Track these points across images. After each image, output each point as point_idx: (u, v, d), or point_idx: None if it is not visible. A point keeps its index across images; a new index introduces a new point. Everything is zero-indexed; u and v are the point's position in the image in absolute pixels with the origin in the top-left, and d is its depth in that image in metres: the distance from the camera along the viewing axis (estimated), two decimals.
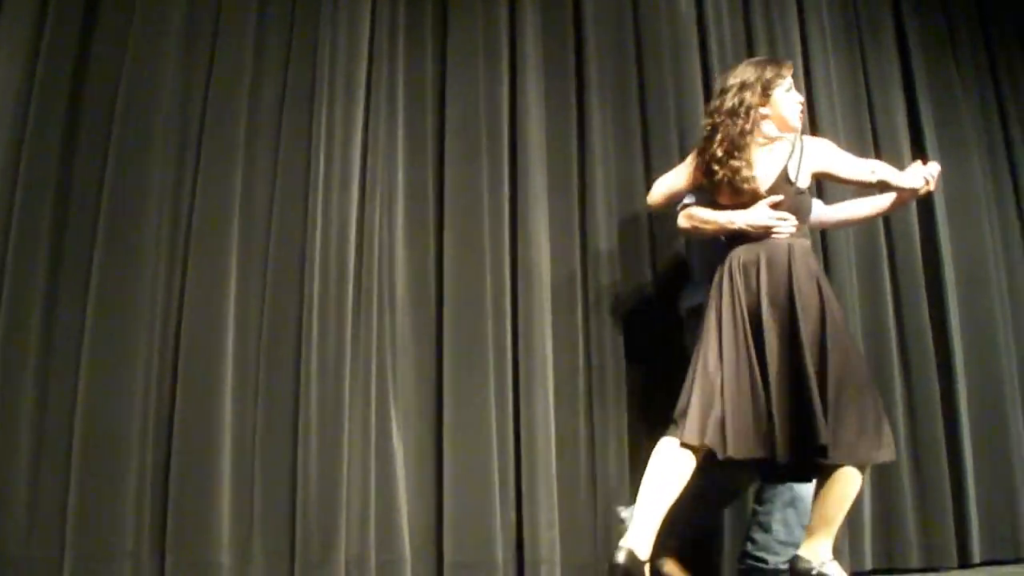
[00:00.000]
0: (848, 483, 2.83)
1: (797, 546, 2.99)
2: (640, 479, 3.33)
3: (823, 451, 2.72)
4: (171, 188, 3.27)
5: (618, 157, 3.84)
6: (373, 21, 3.61)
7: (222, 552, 3.01)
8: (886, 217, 4.22)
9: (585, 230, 3.72)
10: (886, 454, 2.81)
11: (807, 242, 2.99)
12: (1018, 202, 4.74)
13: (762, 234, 2.92)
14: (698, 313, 3.12)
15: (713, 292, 2.93)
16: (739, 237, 2.95)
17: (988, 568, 3.44)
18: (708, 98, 3.93)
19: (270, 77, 3.45)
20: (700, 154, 3.05)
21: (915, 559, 3.84)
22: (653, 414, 3.57)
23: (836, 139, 4.13)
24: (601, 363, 3.58)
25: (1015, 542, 4.13)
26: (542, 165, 3.70)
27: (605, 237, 3.72)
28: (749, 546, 3.31)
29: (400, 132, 3.58)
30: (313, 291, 3.27)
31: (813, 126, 4.22)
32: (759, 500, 3.36)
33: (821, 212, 3.38)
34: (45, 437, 3.04)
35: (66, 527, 2.94)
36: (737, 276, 2.90)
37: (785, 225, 2.90)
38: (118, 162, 3.24)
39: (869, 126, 4.45)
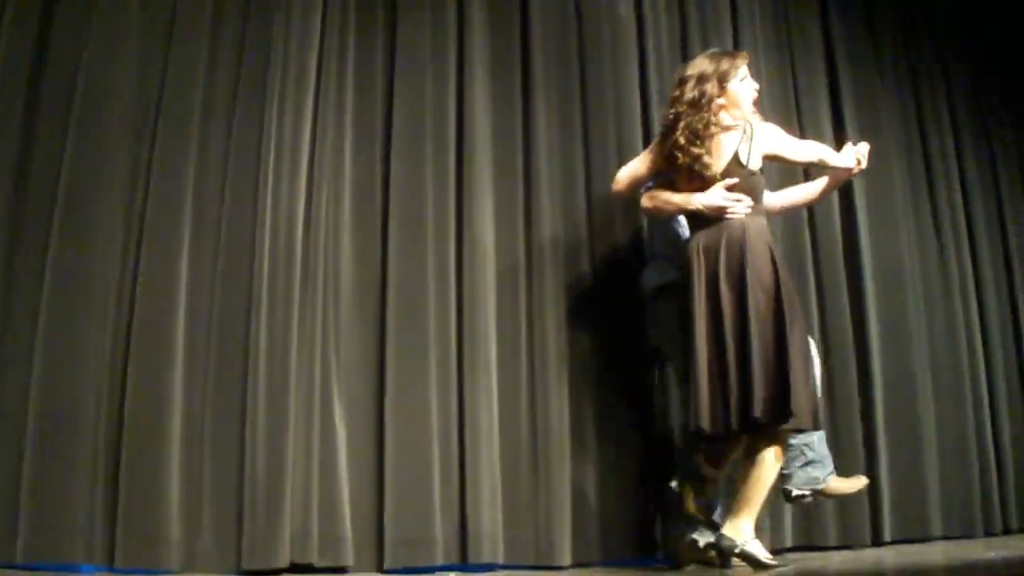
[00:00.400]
0: (768, 467, 3.03)
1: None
2: (582, 456, 3.52)
3: (783, 417, 2.94)
4: (127, 173, 3.29)
5: (561, 150, 3.96)
6: (324, 15, 3.66)
7: (171, 526, 3.05)
8: (811, 219, 4.45)
9: (530, 220, 3.82)
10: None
11: (763, 220, 3.18)
12: (933, 207, 5.00)
13: (718, 215, 3.11)
14: (663, 291, 3.37)
15: (690, 281, 3.11)
16: (699, 218, 3.16)
17: (898, 546, 3.62)
18: (645, 96, 4.15)
19: (224, 66, 3.49)
20: (662, 142, 3.26)
21: (832, 537, 4.05)
22: (594, 394, 3.76)
23: None
24: (543, 346, 3.69)
25: (923, 522, 4.38)
26: (488, 158, 3.80)
27: (548, 226, 3.82)
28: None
29: (349, 124, 3.65)
30: (262, 276, 3.32)
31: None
32: None
33: (766, 199, 3.51)
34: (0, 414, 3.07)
35: (19, 502, 2.97)
36: (701, 258, 3.10)
37: (740, 206, 3.10)
38: (75, 147, 3.26)
39: (797, 130, 4.61)
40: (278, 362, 3.27)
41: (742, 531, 3.03)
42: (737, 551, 3.03)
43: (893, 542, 3.77)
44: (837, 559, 3.65)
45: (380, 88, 3.75)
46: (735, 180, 3.13)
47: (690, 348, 3.08)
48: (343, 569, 3.23)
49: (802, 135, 4.60)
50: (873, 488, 4.10)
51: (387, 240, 3.61)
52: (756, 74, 4.46)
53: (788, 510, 3.91)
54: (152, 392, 3.14)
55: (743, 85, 3.29)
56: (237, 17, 3.59)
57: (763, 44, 4.68)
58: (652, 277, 3.59)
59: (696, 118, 3.16)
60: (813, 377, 3.12)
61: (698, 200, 3.15)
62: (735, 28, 4.60)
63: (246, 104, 3.48)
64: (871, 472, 4.13)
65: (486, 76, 3.89)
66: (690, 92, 3.20)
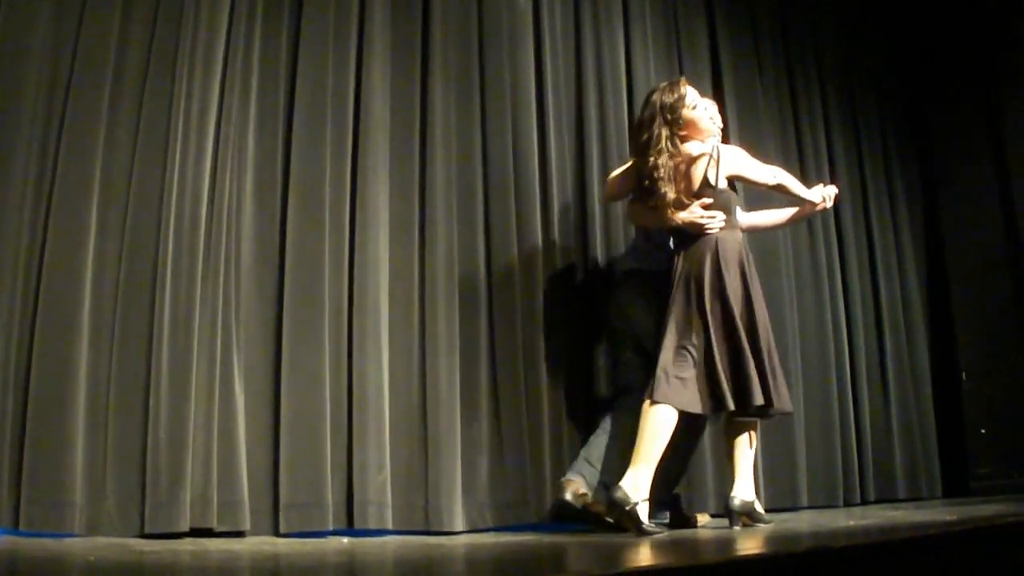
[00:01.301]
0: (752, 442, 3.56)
1: None
2: (469, 425, 3.71)
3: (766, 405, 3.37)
4: (37, 145, 3.25)
5: (458, 133, 4.11)
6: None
7: (76, 491, 3.06)
8: None
9: (424, 200, 3.96)
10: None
11: (737, 233, 3.54)
12: None
13: (698, 230, 3.47)
14: (635, 274, 3.81)
15: (670, 281, 3.51)
16: (679, 231, 3.53)
17: (770, 513, 3.85)
18: (540, 82, 4.37)
19: (135, 44, 3.47)
20: (636, 168, 3.60)
21: (711, 506, 4.32)
22: (484, 363, 3.94)
23: None
24: (434, 317, 3.83)
25: (793, 493, 4.71)
26: (385, 140, 3.90)
27: (442, 206, 3.96)
28: None
29: (253, 104, 3.68)
30: (167, 250, 3.35)
31: (631, 120, 4.63)
32: None
33: (741, 217, 3.81)
34: None
35: None
36: (680, 266, 3.48)
37: (714, 222, 3.45)
38: None
39: None
40: (181, 332, 3.31)
41: (640, 490, 3.28)
42: (628, 508, 3.26)
43: (768, 510, 3.97)
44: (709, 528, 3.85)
45: (284, 70, 3.79)
46: (709, 201, 3.47)
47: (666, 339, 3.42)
48: (240, 533, 3.29)
49: None
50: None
51: (286, 217, 3.67)
52: (644, 67, 4.77)
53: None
54: (58, 360, 3.12)
55: (696, 112, 3.58)
56: None
57: (652, 35, 4.91)
58: (628, 262, 3.95)
59: (656, 158, 3.49)
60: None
61: (679, 217, 3.49)
62: (626, 18, 4.82)
63: (155, 81, 3.46)
64: None
65: (385, 62, 3.99)
66: (644, 135, 3.54)
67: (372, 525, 3.51)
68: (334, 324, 3.65)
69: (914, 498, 5.34)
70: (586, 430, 4.02)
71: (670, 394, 3.33)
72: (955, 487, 5.55)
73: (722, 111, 4.91)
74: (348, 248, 3.76)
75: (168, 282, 3.34)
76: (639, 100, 4.62)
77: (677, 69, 4.96)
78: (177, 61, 3.51)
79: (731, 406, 3.35)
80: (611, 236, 4.46)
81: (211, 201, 3.50)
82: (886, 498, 5.22)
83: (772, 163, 5.04)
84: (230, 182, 3.56)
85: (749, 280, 3.47)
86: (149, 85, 3.47)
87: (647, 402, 3.36)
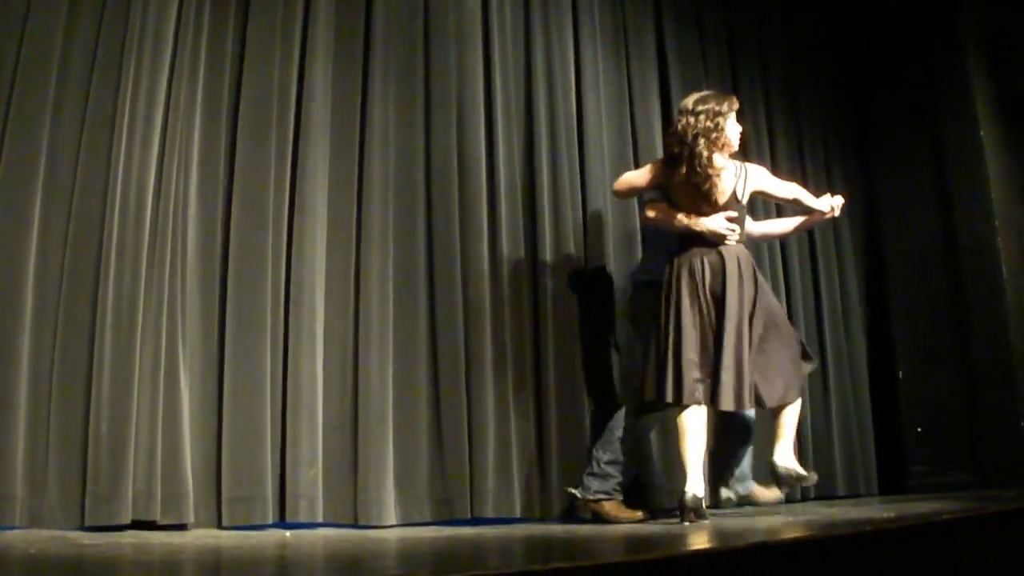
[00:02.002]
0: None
1: None
2: (404, 421, 3.77)
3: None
4: None
5: (399, 133, 4.13)
6: None
7: (16, 484, 3.05)
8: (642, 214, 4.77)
9: (361, 197, 3.98)
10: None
11: (744, 247, 3.67)
12: None
13: (718, 239, 3.58)
14: (648, 285, 3.91)
15: (673, 285, 3.62)
16: (693, 238, 3.62)
17: (711, 510, 3.90)
18: (488, 83, 4.38)
19: (83, 32, 3.46)
20: (667, 164, 3.69)
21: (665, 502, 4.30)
22: (420, 364, 3.97)
23: (599, 132, 4.65)
24: (367, 315, 3.86)
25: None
26: (325, 138, 3.93)
27: (379, 204, 3.99)
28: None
29: (199, 98, 3.67)
30: (111, 240, 3.34)
31: (580, 119, 4.69)
32: None
33: (750, 226, 4.02)
34: None
35: None
36: (698, 272, 3.60)
37: (734, 235, 3.59)
38: None
39: (629, 123, 4.95)
40: (125, 324, 3.30)
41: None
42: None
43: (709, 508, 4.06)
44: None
45: (231, 65, 3.79)
46: (735, 213, 3.61)
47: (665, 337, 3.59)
48: (183, 526, 3.29)
49: (633, 127, 4.94)
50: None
51: (231, 210, 3.68)
52: (593, 66, 4.82)
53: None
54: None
55: (733, 128, 3.69)
56: None
57: (601, 35, 4.96)
58: (642, 274, 4.16)
59: (711, 144, 3.57)
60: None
61: (704, 225, 3.60)
62: (575, 23, 4.86)
63: (103, 71, 3.45)
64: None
65: (328, 58, 4.00)
66: (706, 121, 3.59)
67: (303, 519, 3.54)
68: (274, 321, 3.66)
69: (852, 495, 5.44)
70: (530, 426, 4.12)
71: (699, 395, 3.54)
72: (892, 484, 5.64)
73: (668, 113, 5.05)
74: (286, 244, 3.78)
75: (112, 272, 3.33)
76: (588, 100, 4.75)
77: (625, 69, 5.04)
78: (125, 51, 3.50)
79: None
80: (560, 234, 4.51)
81: (157, 192, 3.49)
82: (825, 495, 5.29)
83: None
84: (177, 173, 3.55)
85: (759, 288, 3.63)
86: (97, 74, 3.46)
87: (678, 408, 3.58)
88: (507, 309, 4.24)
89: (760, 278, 3.68)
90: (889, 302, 6.02)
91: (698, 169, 3.57)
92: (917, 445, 5.64)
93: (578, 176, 4.67)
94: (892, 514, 3.45)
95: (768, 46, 5.98)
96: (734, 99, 3.75)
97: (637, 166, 4.64)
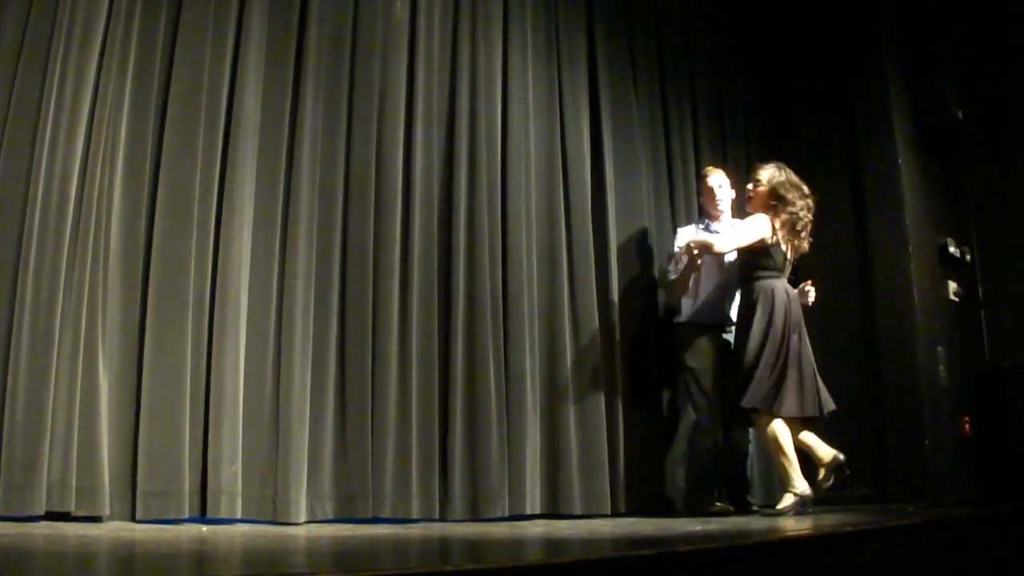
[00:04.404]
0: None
1: None
2: (316, 420, 3.81)
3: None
4: None
5: (325, 138, 4.15)
6: None
7: None
8: (567, 218, 4.90)
9: (288, 199, 3.99)
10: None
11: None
12: (672, 208, 5.59)
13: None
14: (687, 327, 4.92)
15: (762, 312, 4.52)
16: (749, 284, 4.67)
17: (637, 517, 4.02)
18: (411, 93, 4.42)
19: (10, 22, 3.41)
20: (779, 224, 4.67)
21: (577, 507, 4.52)
22: (330, 364, 3.99)
23: (526, 140, 4.75)
24: (291, 318, 3.88)
25: (662, 501, 4.94)
26: (254, 138, 3.93)
27: (305, 207, 4.00)
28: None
29: (128, 91, 3.63)
30: (32, 231, 3.30)
31: (504, 130, 4.75)
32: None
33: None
34: None
35: None
36: (781, 302, 4.53)
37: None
38: None
39: (559, 135, 5.03)
40: (43, 314, 3.27)
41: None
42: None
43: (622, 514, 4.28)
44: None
45: (161, 60, 3.76)
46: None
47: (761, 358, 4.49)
48: (98, 518, 3.27)
49: (563, 139, 5.02)
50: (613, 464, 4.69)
51: (155, 205, 3.66)
52: (523, 77, 4.87)
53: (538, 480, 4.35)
54: None
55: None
56: None
57: (532, 45, 5.02)
58: (682, 315, 5.01)
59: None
60: None
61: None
62: (505, 36, 4.91)
63: (29, 60, 3.41)
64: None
65: (260, 59, 4.01)
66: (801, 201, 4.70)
67: (223, 515, 3.55)
68: (196, 317, 3.66)
69: (769, 505, 5.56)
70: (435, 433, 4.18)
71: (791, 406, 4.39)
72: None
73: (596, 121, 5.18)
74: (213, 242, 3.77)
75: (32, 262, 3.29)
76: (514, 108, 4.80)
77: (556, 80, 5.11)
78: (53, 41, 3.45)
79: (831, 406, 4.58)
80: (474, 240, 4.56)
81: (81, 184, 3.45)
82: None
83: (642, 171, 5.32)
84: (102, 166, 3.51)
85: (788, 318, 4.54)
86: (23, 62, 3.41)
87: (768, 417, 4.42)
88: (415, 317, 4.26)
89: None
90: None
91: (797, 236, 4.66)
92: None
93: (498, 184, 4.72)
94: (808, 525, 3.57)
95: (695, 57, 6.13)
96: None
97: (565, 174, 4.75)
